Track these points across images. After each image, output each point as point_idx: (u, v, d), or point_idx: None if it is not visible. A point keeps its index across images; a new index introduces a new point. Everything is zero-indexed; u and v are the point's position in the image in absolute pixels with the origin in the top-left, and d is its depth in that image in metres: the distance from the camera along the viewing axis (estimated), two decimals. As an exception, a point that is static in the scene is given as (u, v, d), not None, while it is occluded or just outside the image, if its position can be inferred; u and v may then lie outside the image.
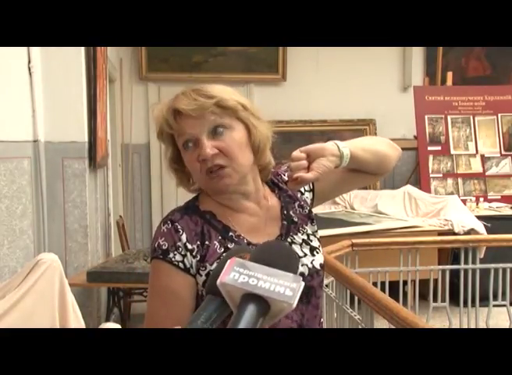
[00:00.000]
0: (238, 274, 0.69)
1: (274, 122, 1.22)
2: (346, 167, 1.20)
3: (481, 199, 4.93)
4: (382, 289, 2.81)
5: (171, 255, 1.11)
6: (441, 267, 3.37)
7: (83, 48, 3.25)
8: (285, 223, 1.21)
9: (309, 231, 1.24)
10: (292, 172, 1.11)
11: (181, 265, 1.11)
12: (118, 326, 2.86)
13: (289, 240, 1.19)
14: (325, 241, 1.68)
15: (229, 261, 0.70)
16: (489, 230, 4.21)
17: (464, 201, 4.75)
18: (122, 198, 5.30)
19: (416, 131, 5.13)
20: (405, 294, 3.23)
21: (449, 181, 5.07)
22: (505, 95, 5.23)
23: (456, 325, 3.18)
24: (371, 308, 2.03)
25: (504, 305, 3.20)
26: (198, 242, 1.12)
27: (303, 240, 1.21)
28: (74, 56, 3.21)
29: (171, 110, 1.11)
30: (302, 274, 1.15)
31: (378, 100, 5.52)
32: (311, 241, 1.23)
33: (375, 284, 2.65)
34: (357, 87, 5.51)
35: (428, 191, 4.92)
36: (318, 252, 1.22)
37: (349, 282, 2.19)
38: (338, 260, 2.52)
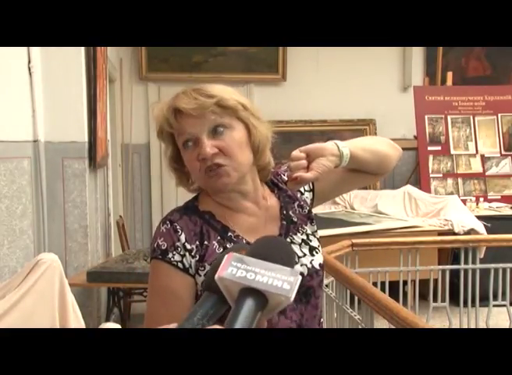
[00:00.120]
0: (236, 269, 0.69)
1: (274, 122, 1.22)
2: (346, 167, 1.20)
3: (481, 199, 4.94)
4: (382, 289, 2.81)
5: (170, 255, 1.11)
6: (441, 267, 3.37)
7: (83, 48, 3.25)
8: (284, 222, 1.21)
9: (308, 231, 1.24)
10: (291, 172, 1.11)
11: (180, 265, 1.11)
12: (118, 326, 2.86)
13: (288, 240, 1.19)
14: (325, 241, 1.68)
15: (226, 256, 0.71)
16: (489, 230, 4.21)
17: (464, 201, 4.75)
18: (122, 198, 5.31)
19: (416, 131, 5.13)
20: (405, 294, 3.24)
21: (449, 181, 5.07)
22: (505, 95, 5.23)
23: (456, 325, 3.18)
24: (371, 308, 2.03)
25: (504, 305, 3.21)
26: (197, 242, 1.12)
27: (302, 240, 1.21)
28: (74, 56, 3.21)
29: (171, 109, 1.11)
30: (301, 274, 1.15)
31: (378, 100, 5.52)
32: (311, 240, 1.23)
33: (375, 284, 2.65)
34: (357, 87, 5.52)
35: (428, 191, 4.92)
36: (317, 252, 1.22)
37: (349, 282, 2.19)
38: (338, 260, 2.52)
